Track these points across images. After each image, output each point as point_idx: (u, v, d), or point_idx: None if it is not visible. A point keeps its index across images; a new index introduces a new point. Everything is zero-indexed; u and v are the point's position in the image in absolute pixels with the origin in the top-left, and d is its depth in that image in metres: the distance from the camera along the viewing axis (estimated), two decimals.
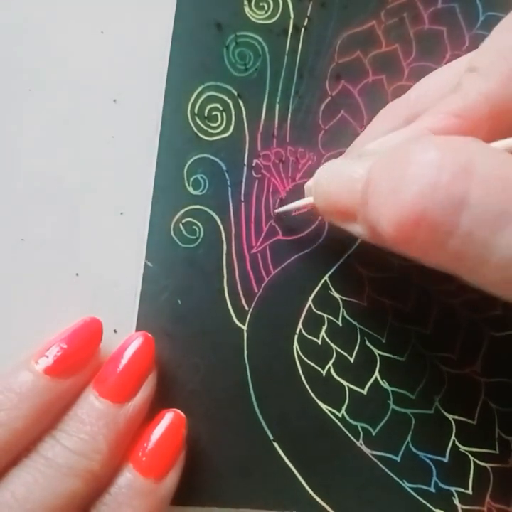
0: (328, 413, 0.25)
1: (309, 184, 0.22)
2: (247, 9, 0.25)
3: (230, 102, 0.25)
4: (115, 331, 0.24)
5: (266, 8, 0.25)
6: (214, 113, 0.25)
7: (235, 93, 0.25)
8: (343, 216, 0.19)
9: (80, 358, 0.22)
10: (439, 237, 0.15)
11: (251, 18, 0.25)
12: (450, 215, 0.15)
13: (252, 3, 0.25)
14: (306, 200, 0.23)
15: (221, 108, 0.25)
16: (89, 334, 0.23)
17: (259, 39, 0.25)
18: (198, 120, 0.25)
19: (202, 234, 0.25)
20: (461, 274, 0.16)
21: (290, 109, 0.25)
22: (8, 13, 0.24)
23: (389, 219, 0.16)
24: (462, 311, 0.25)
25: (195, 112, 0.25)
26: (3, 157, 0.24)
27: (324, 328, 0.25)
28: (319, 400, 0.25)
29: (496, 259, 0.15)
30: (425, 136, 0.17)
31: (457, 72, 0.19)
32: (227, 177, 0.25)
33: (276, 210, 0.25)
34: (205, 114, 0.25)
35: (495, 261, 0.15)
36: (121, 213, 0.24)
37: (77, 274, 0.24)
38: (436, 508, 0.25)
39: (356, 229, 0.19)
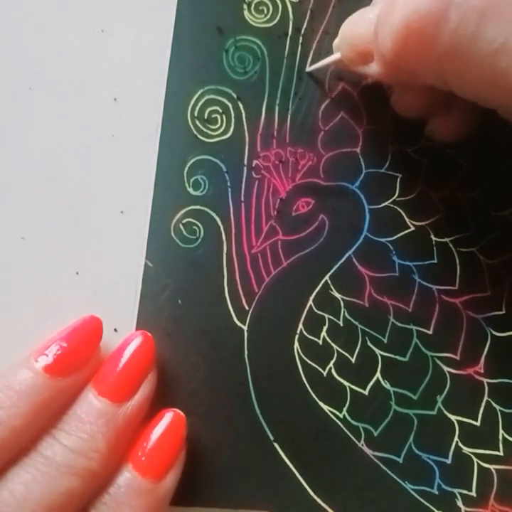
0: (329, 414, 0.24)
1: (336, 42, 0.24)
2: (246, 13, 0.25)
3: (229, 104, 0.25)
4: (115, 329, 0.24)
5: (265, 11, 0.25)
6: (214, 116, 0.25)
7: (235, 96, 0.25)
8: (363, 58, 0.22)
9: (79, 357, 0.22)
10: (430, 34, 0.17)
11: (250, 21, 0.25)
12: (439, 12, 0.17)
13: (252, 7, 0.25)
14: (335, 56, 0.24)
15: (221, 111, 0.25)
16: (89, 333, 0.23)
17: (259, 42, 0.25)
18: (198, 123, 0.25)
19: (202, 234, 0.25)
20: (452, 73, 0.18)
21: (290, 111, 0.25)
22: (9, 13, 0.25)
23: (389, 35, 0.19)
24: (464, 310, 0.25)
25: (195, 114, 0.25)
26: (4, 156, 0.24)
27: (325, 328, 0.25)
28: (320, 400, 0.24)
29: (480, 53, 0.17)
30: None
31: None
32: (227, 178, 0.25)
33: (308, 69, 0.25)
34: (205, 117, 0.25)
35: (481, 54, 0.17)
36: (122, 212, 0.24)
37: (77, 273, 0.24)
38: (438, 510, 0.24)
39: (374, 68, 0.21)
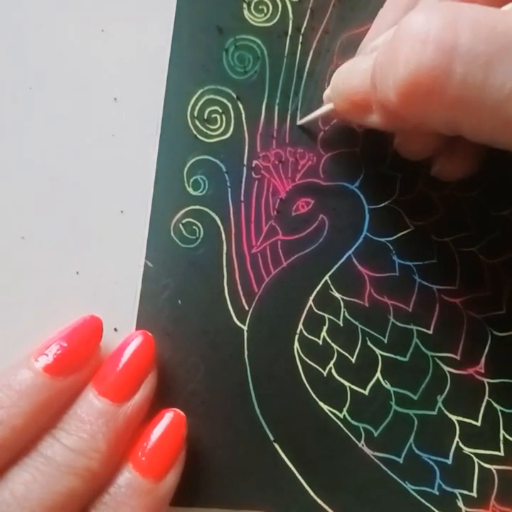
0: (330, 414, 0.24)
1: (327, 92, 0.23)
2: (246, 12, 0.25)
3: (229, 104, 0.25)
4: (116, 329, 0.24)
5: (265, 11, 0.25)
6: (213, 115, 0.25)
7: (235, 96, 0.25)
8: (360, 109, 0.21)
9: (79, 356, 0.22)
10: (437, 87, 0.17)
11: (250, 21, 0.25)
12: (444, 65, 0.16)
13: (251, 7, 0.25)
14: (327, 107, 0.23)
15: (220, 111, 0.25)
16: (89, 332, 0.23)
17: (258, 42, 0.25)
18: (197, 123, 0.25)
19: (202, 234, 0.25)
20: (463, 121, 0.18)
21: (289, 111, 0.25)
22: (9, 13, 0.25)
23: (392, 89, 0.18)
24: (465, 310, 0.25)
25: (195, 114, 0.25)
26: (4, 155, 0.24)
27: (325, 328, 0.25)
28: (320, 400, 0.24)
29: (492, 99, 0.16)
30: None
31: None
32: (227, 178, 0.25)
33: (300, 122, 0.25)
34: (205, 117, 0.25)
35: (491, 102, 0.16)
36: (122, 212, 0.24)
37: (77, 273, 0.24)
38: (439, 510, 0.24)
39: (373, 119, 0.21)
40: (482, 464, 0.24)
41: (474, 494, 0.24)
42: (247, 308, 0.25)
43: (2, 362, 0.22)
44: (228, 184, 0.25)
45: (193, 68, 0.25)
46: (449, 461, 0.24)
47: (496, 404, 0.25)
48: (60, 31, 0.25)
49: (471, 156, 0.23)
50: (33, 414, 0.21)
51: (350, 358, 0.25)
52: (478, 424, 0.24)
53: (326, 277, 0.25)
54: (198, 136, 0.25)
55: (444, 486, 0.24)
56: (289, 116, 0.25)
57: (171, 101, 0.25)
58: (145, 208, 0.25)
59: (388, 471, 0.24)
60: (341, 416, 0.24)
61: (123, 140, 0.25)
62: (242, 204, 0.25)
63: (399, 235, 0.25)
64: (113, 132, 0.25)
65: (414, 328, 0.25)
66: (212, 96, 0.25)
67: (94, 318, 0.23)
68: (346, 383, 0.25)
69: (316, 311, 0.25)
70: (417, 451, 0.24)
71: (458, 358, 0.25)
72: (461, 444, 0.24)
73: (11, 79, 0.24)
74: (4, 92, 0.24)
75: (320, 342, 0.25)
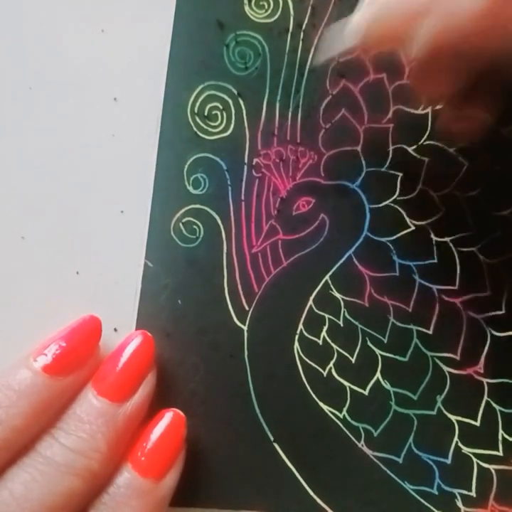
0: (329, 414, 0.24)
1: (353, 26, 0.21)
2: (247, 8, 0.25)
3: (230, 101, 0.25)
4: (115, 329, 0.24)
5: (266, 7, 0.25)
6: (214, 112, 0.25)
7: (235, 92, 0.25)
8: (402, 33, 0.18)
9: (78, 356, 0.22)
10: None
11: (251, 17, 0.25)
12: None
13: (252, 3, 0.25)
14: (351, 40, 0.21)
15: (221, 107, 0.25)
16: (88, 332, 0.23)
17: (260, 38, 0.25)
18: (198, 119, 0.25)
19: (202, 233, 0.25)
20: None
21: (290, 108, 0.25)
22: (9, 13, 0.24)
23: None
24: (464, 310, 0.25)
25: (195, 111, 0.25)
26: (4, 155, 0.24)
27: (325, 328, 0.25)
28: (320, 400, 0.24)
29: None
30: None
31: None
32: (228, 176, 0.25)
33: (319, 60, 0.24)
34: (205, 113, 0.25)
35: None
36: (122, 212, 0.24)
37: (77, 273, 0.24)
38: (438, 510, 0.24)
39: (413, 45, 0.18)
40: (481, 463, 0.25)
41: (473, 494, 0.24)
42: (247, 308, 0.24)
43: (2, 362, 0.22)
44: (229, 183, 0.25)
45: (194, 63, 0.25)
46: (448, 461, 0.24)
47: (495, 405, 0.25)
48: (60, 31, 0.25)
49: (478, 118, 0.22)
50: (33, 414, 0.20)
51: (350, 358, 0.25)
52: (478, 424, 0.25)
53: (327, 277, 0.25)
54: (199, 133, 0.25)
55: (443, 486, 0.24)
56: (290, 114, 0.25)
57: (171, 97, 0.25)
58: (145, 208, 0.24)
59: (388, 471, 0.24)
60: (341, 416, 0.24)
61: (123, 140, 0.24)
62: (243, 203, 0.25)
63: (399, 234, 0.25)
64: (113, 132, 0.24)
65: (414, 328, 0.25)
66: (212, 92, 0.25)
67: (93, 318, 0.23)
68: (346, 383, 0.25)
69: (316, 311, 0.25)
70: (416, 451, 0.24)
71: (457, 358, 0.25)
72: (460, 444, 0.24)
73: (11, 79, 0.24)
74: (4, 92, 0.24)
75: (320, 342, 0.25)
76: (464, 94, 0.21)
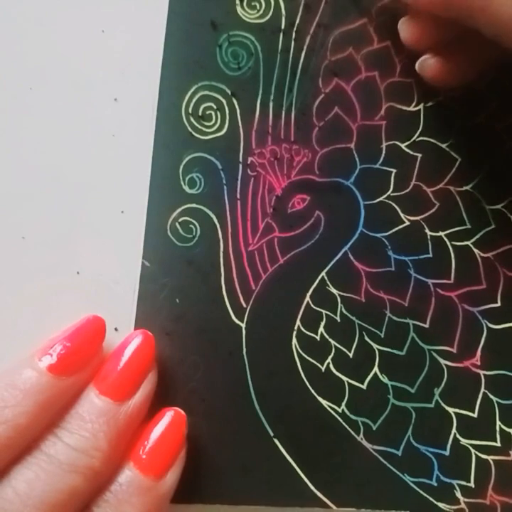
0: (328, 408, 0.25)
1: None
2: (239, 9, 0.25)
3: (223, 101, 0.25)
4: (116, 328, 0.24)
5: (258, 7, 0.25)
6: (208, 112, 0.25)
7: (229, 92, 0.25)
8: None
9: (83, 356, 0.22)
10: None
11: (243, 17, 0.25)
12: None
13: (244, 3, 0.25)
14: None
15: (215, 107, 0.25)
16: (93, 332, 0.23)
17: (252, 38, 0.25)
18: (192, 119, 0.25)
19: (198, 232, 0.25)
20: None
21: (284, 107, 0.25)
22: (9, 13, 0.25)
23: None
24: (460, 304, 0.25)
25: (190, 111, 0.25)
26: (4, 155, 0.24)
27: (323, 323, 0.25)
28: (319, 395, 0.25)
29: None
30: None
31: None
32: (223, 175, 0.25)
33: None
34: (200, 113, 0.25)
35: None
36: (122, 212, 0.24)
37: (77, 273, 0.24)
38: (438, 501, 0.25)
39: None
40: (479, 454, 0.25)
41: (472, 485, 0.25)
42: (244, 305, 0.25)
43: (2, 361, 0.22)
44: (224, 182, 0.25)
45: (187, 64, 0.25)
46: (447, 453, 0.25)
47: (492, 396, 0.25)
48: (60, 31, 0.25)
49: (465, 65, 0.23)
50: (37, 413, 0.21)
51: (347, 353, 0.25)
52: (475, 415, 0.25)
53: (323, 273, 0.25)
54: (194, 133, 0.25)
55: (442, 478, 0.25)
56: (283, 113, 0.25)
57: (165, 97, 0.25)
58: (145, 207, 0.24)
59: (387, 464, 0.25)
60: (340, 410, 0.25)
61: (123, 140, 0.25)
62: (238, 201, 0.25)
63: (394, 230, 0.25)
64: (113, 132, 0.24)
65: (411, 322, 0.25)
66: (206, 92, 0.25)
67: (97, 318, 0.23)
68: (344, 378, 0.25)
69: (314, 307, 0.25)
70: (415, 443, 0.25)
71: (454, 351, 0.25)
72: (458, 436, 0.25)
73: (11, 79, 0.24)
74: (4, 92, 0.24)
75: (318, 338, 0.25)
76: (449, 44, 0.22)
